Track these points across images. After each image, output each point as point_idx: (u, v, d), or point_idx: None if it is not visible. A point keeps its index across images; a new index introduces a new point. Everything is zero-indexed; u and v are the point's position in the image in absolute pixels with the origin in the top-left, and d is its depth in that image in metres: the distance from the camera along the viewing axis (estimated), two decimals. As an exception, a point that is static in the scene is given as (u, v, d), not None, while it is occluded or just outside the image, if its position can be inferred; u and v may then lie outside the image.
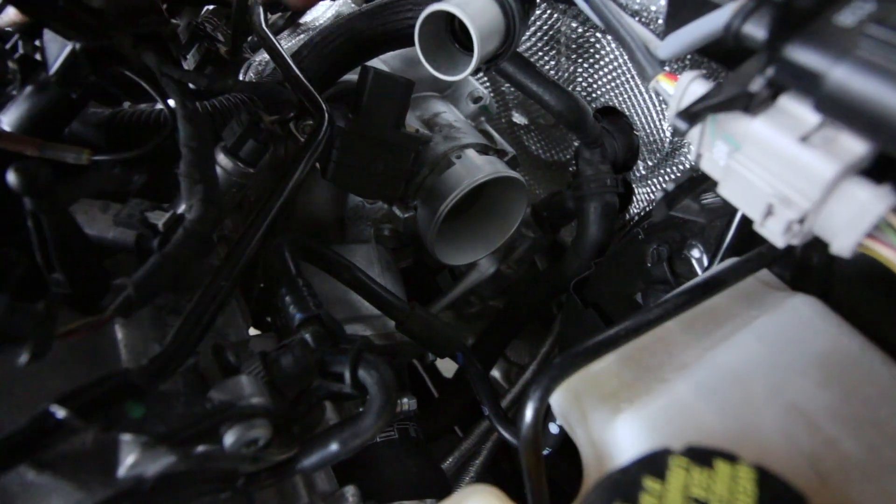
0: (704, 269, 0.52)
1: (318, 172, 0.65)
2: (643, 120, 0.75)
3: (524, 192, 0.68)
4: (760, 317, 0.31)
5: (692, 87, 0.31)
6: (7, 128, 0.41)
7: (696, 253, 0.54)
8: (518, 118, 0.92)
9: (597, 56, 0.76)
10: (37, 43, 0.43)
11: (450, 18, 0.46)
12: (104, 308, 0.35)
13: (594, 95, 0.79)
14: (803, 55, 0.23)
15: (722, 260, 0.45)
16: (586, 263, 0.80)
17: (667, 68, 0.37)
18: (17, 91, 0.40)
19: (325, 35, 0.57)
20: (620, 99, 0.77)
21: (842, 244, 0.25)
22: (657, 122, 0.73)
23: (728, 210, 0.49)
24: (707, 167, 0.32)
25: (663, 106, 0.71)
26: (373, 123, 0.50)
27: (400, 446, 0.48)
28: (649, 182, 0.80)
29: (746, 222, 0.43)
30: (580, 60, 0.77)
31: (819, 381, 0.27)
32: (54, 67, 0.39)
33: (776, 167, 0.26)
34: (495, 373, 1.00)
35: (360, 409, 0.33)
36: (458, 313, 0.98)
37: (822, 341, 0.29)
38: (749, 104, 0.26)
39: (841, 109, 0.22)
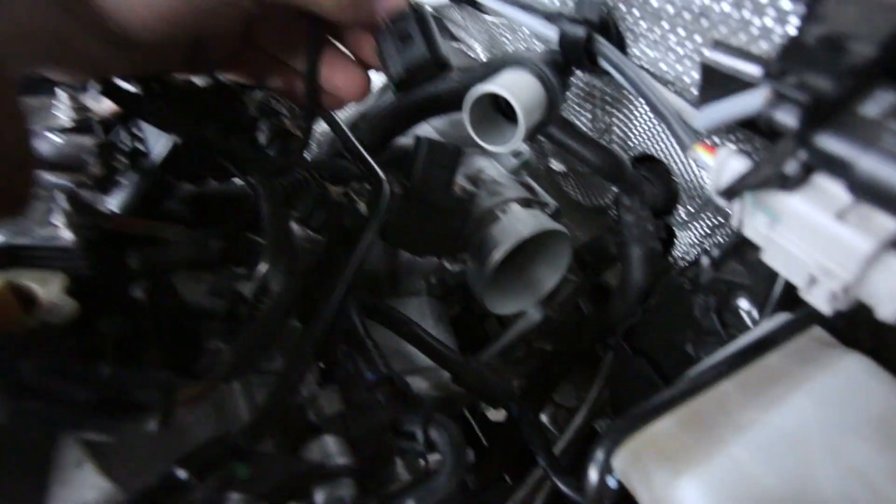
0: (755, 321, 0.53)
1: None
2: (681, 167, 0.77)
3: (567, 243, 0.71)
4: (814, 377, 0.33)
5: (730, 162, 0.34)
6: (116, 209, 0.47)
7: (744, 304, 0.55)
8: (556, 165, 0.96)
9: (631, 107, 0.79)
10: (135, 131, 0.50)
11: (493, 97, 0.50)
12: (201, 372, 0.39)
13: (630, 144, 0.82)
14: (832, 144, 0.26)
15: (771, 314, 0.46)
16: (632, 308, 0.82)
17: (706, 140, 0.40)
18: (125, 177, 0.46)
19: (378, 106, 0.63)
20: (657, 147, 0.79)
21: (886, 311, 0.27)
22: (695, 170, 0.75)
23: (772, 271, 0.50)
24: (750, 234, 0.35)
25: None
26: (426, 189, 0.54)
27: (462, 500, 0.50)
28: (691, 226, 0.82)
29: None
30: (615, 112, 0.80)
31: (877, 443, 0.28)
32: (159, 159, 0.45)
33: (815, 241, 0.28)
34: (542, 416, 1.00)
35: (424, 463, 0.36)
36: (505, 357, 1.00)
37: (877, 402, 0.30)
38: (785, 183, 0.29)
39: (872, 194, 0.24)
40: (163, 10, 0.36)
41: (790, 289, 0.46)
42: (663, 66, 0.45)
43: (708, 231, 0.80)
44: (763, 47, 0.35)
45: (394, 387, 0.39)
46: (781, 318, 0.41)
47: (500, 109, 0.51)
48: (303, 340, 0.39)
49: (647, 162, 0.84)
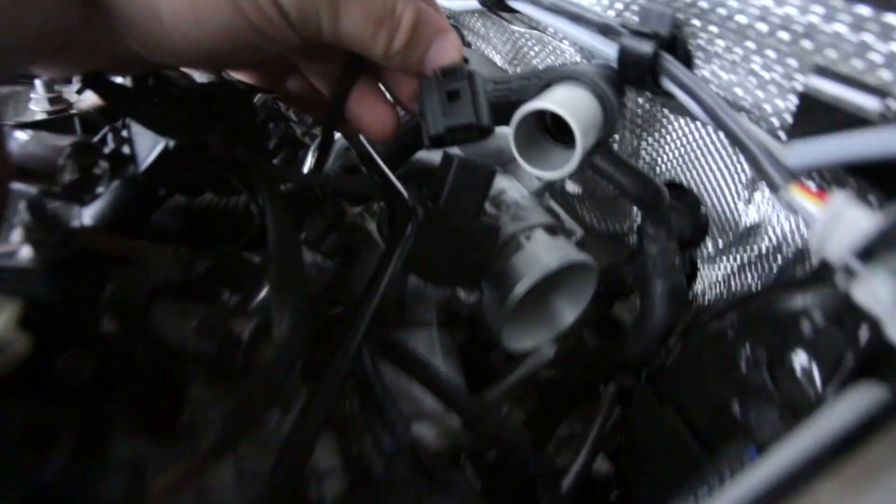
0: (817, 383, 0.47)
1: (378, 247, 0.63)
2: (714, 198, 0.72)
3: (594, 275, 0.65)
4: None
5: (849, 214, 0.28)
6: (89, 220, 0.40)
7: (801, 361, 0.49)
8: (572, 187, 0.90)
9: (662, 131, 0.74)
10: (124, 133, 0.42)
11: (541, 114, 0.44)
12: (182, 431, 0.32)
13: (658, 170, 0.77)
14: None
15: (846, 380, 0.40)
16: (651, 347, 0.76)
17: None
18: (106, 186, 0.39)
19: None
20: (688, 175, 0.74)
21: None
22: (731, 202, 0.70)
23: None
24: (864, 299, 0.29)
25: (739, 186, 0.68)
26: (452, 213, 0.48)
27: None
28: (718, 262, 0.76)
29: (877, 335, 0.39)
30: (645, 135, 0.75)
31: None
32: (145, 164, 0.37)
33: None
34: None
35: None
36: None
37: None
38: (944, 248, 0.23)
39: None
40: (201, 43, 0.30)
41: (872, 350, 0.41)
42: (739, 92, 0.39)
43: (737, 269, 0.75)
44: (884, 77, 0.30)
45: (416, 456, 0.32)
46: (871, 392, 0.35)
47: (545, 128, 0.45)
48: (317, 393, 0.32)
49: (675, 189, 0.79)
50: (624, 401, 0.94)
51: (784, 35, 0.33)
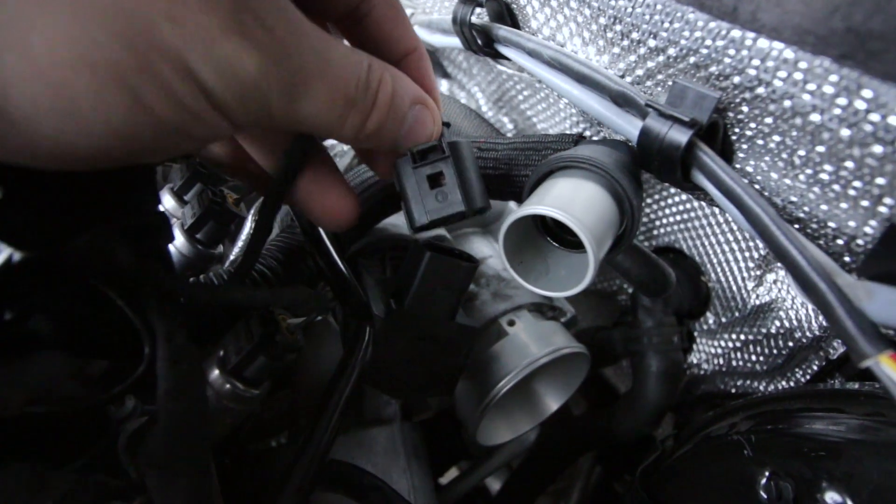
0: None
1: (329, 325, 0.53)
2: (720, 272, 0.64)
3: (586, 364, 0.56)
4: None
5: None
6: None
7: (834, 499, 0.41)
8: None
9: (664, 193, 0.65)
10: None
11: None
12: None
13: (655, 233, 0.69)
14: None
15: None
16: (642, 427, 0.68)
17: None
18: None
19: (363, 171, 0.46)
20: (690, 243, 0.66)
21: None
22: (739, 278, 0.62)
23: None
24: None
25: (750, 263, 0.60)
26: (422, 316, 0.38)
27: None
28: (719, 337, 0.68)
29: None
30: (644, 196, 0.67)
31: None
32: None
33: None
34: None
35: None
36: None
37: None
38: None
39: None
40: (78, 146, 0.20)
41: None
42: (793, 199, 0.30)
43: (740, 346, 0.67)
44: None
45: None
46: None
47: (542, 225, 0.35)
48: None
49: (672, 254, 0.71)
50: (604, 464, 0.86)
51: (878, 149, 0.24)
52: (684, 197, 0.64)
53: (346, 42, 0.29)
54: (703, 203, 0.62)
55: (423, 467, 0.53)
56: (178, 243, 0.39)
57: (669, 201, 0.65)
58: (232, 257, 0.42)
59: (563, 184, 0.31)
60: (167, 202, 0.41)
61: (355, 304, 0.35)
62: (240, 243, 0.45)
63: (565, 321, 0.56)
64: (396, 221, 0.51)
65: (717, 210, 0.60)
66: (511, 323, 0.52)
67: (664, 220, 0.67)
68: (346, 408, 0.32)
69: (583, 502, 0.83)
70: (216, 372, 0.32)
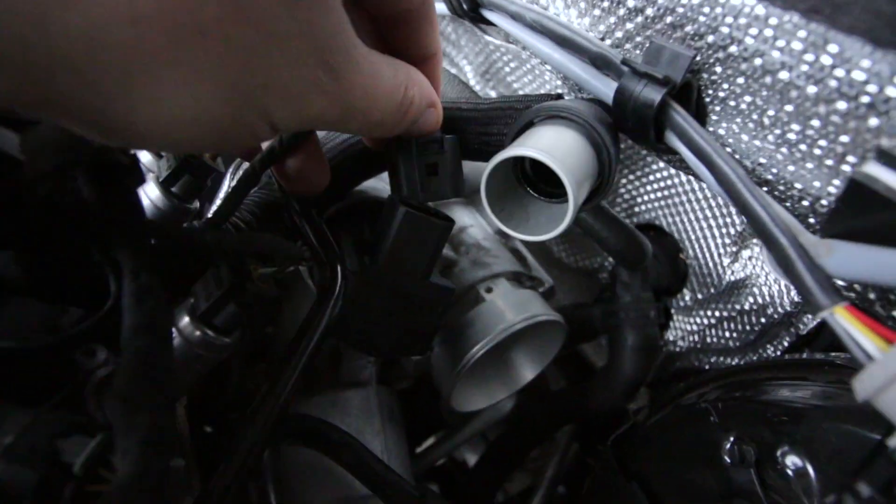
0: (806, 490, 0.41)
1: (308, 290, 0.53)
2: (698, 248, 0.65)
3: (562, 333, 0.57)
4: None
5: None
6: None
7: (795, 462, 0.42)
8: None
9: (646, 169, 0.66)
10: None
11: (519, 159, 0.35)
12: None
13: (636, 210, 0.69)
14: None
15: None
16: (617, 401, 0.69)
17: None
18: None
19: (343, 138, 0.46)
20: (669, 219, 0.67)
21: None
22: (715, 255, 0.63)
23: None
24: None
25: (727, 240, 0.61)
26: (395, 273, 0.38)
27: None
28: (695, 314, 0.70)
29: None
30: (626, 171, 0.67)
31: None
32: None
33: None
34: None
35: None
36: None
37: None
38: None
39: None
40: (176, 138, 0.24)
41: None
42: (762, 160, 0.31)
43: (714, 322, 0.68)
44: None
45: None
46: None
47: (523, 175, 0.35)
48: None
49: (652, 232, 0.72)
50: (581, 441, 0.87)
51: (842, 105, 0.25)
52: (665, 174, 0.64)
53: (384, 57, 0.31)
54: (683, 180, 0.63)
55: (397, 431, 0.54)
56: (153, 196, 0.39)
57: (651, 178, 0.66)
58: (210, 216, 0.42)
59: (545, 131, 0.32)
60: (143, 155, 0.41)
61: (330, 258, 0.35)
62: (218, 201, 0.45)
63: (543, 291, 0.57)
64: (376, 185, 0.51)
65: (696, 186, 0.61)
66: (489, 290, 0.52)
67: (645, 197, 0.68)
68: (313, 358, 0.32)
69: (558, 476, 0.84)
70: (186, 319, 0.32)
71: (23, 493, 0.25)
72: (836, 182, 0.27)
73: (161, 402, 0.24)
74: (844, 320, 0.24)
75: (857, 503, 0.23)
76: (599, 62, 0.36)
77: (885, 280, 0.24)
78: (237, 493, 0.30)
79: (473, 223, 0.59)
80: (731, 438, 0.46)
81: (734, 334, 0.66)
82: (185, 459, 0.36)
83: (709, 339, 0.71)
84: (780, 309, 0.58)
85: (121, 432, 0.24)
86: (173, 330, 0.31)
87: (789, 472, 0.42)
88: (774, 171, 0.31)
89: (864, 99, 0.24)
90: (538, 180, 0.36)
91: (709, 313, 0.68)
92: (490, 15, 0.46)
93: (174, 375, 0.26)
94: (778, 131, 0.29)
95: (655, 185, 0.66)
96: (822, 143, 0.27)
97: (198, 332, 0.31)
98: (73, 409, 0.27)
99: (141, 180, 0.28)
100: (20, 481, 0.25)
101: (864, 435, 0.37)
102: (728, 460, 0.46)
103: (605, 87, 0.35)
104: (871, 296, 0.31)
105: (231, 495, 0.30)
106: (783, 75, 0.27)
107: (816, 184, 0.29)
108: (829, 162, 0.27)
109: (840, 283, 0.35)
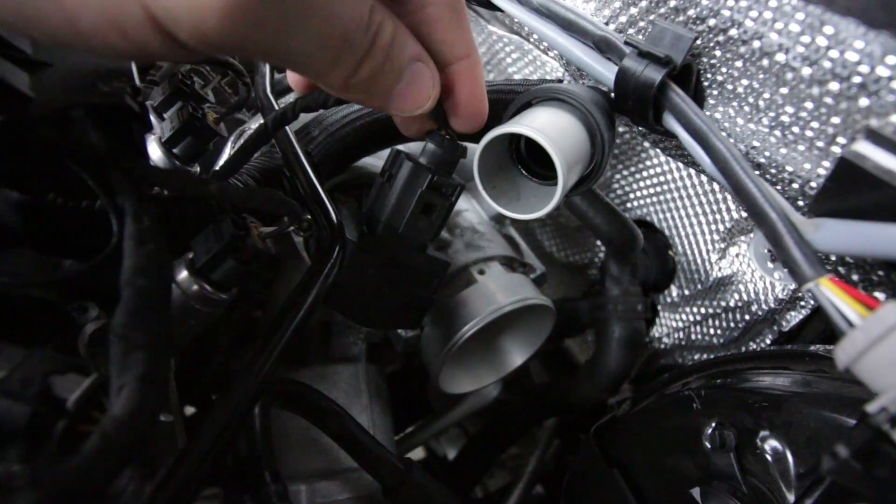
0: (783, 474, 0.42)
1: (305, 264, 0.53)
2: (686, 245, 0.66)
3: (552, 318, 0.57)
4: None
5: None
6: None
7: (774, 447, 0.43)
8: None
9: (640, 165, 0.67)
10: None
11: (513, 138, 0.36)
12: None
13: (628, 206, 0.70)
14: None
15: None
16: (601, 394, 0.70)
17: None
18: None
19: (341, 110, 0.46)
20: (661, 216, 0.68)
21: None
22: (703, 252, 0.64)
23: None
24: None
25: (715, 236, 0.62)
26: (394, 239, 0.39)
27: None
28: (681, 310, 0.71)
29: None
30: (620, 167, 0.69)
31: None
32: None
33: None
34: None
35: None
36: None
37: None
38: None
39: None
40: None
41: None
42: (756, 144, 0.32)
43: (700, 319, 0.70)
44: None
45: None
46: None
47: (517, 155, 0.36)
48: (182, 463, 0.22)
49: (643, 228, 0.73)
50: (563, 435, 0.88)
51: (834, 86, 0.26)
52: (658, 170, 0.65)
53: None
54: (676, 176, 0.64)
55: (384, 408, 0.54)
56: (155, 156, 0.39)
57: (644, 174, 0.67)
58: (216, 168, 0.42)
59: (541, 111, 0.32)
60: (183, 280, 0.40)
61: (328, 225, 0.36)
62: (224, 157, 0.45)
63: (534, 277, 0.58)
64: (375, 163, 0.52)
65: (688, 183, 0.62)
66: (481, 272, 0.53)
67: (638, 193, 0.69)
68: (305, 321, 0.33)
69: (539, 471, 0.84)
70: (184, 272, 0.32)
71: (15, 427, 0.25)
72: (826, 164, 0.28)
73: (158, 343, 0.25)
74: (829, 290, 0.25)
75: (834, 464, 0.24)
76: (603, 45, 0.37)
77: (869, 251, 0.25)
78: (222, 449, 0.30)
79: (469, 208, 0.60)
80: (713, 424, 0.47)
81: (718, 331, 0.68)
82: (174, 417, 0.37)
83: (693, 336, 0.72)
84: (763, 306, 0.60)
85: (117, 369, 0.24)
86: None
87: (768, 457, 0.43)
88: (767, 154, 0.32)
89: (856, 79, 0.25)
90: (532, 162, 0.37)
91: (694, 310, 0.69)
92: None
93: (170, 317, 0.26)
94: (772, 114, 0.30)
95: (648, 182, 0.68)
96: (814, 124, 0.28)
97: (195, 286, 0.32)
98: (68, 354, 0.27)
99: (148, 127, 0.28)
100: (12, 415, 0.25)
101: (840, 420, 0.38)
102: (709, 445, 0.47)
103: (607, 71, 0.36)
104: (855, 277, 0.32)
105: (216, 452, 0.30)
106: (780, 57, 0.28)
107: (807, 166, 0.30)
108: (820, 143, 0.28)
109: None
